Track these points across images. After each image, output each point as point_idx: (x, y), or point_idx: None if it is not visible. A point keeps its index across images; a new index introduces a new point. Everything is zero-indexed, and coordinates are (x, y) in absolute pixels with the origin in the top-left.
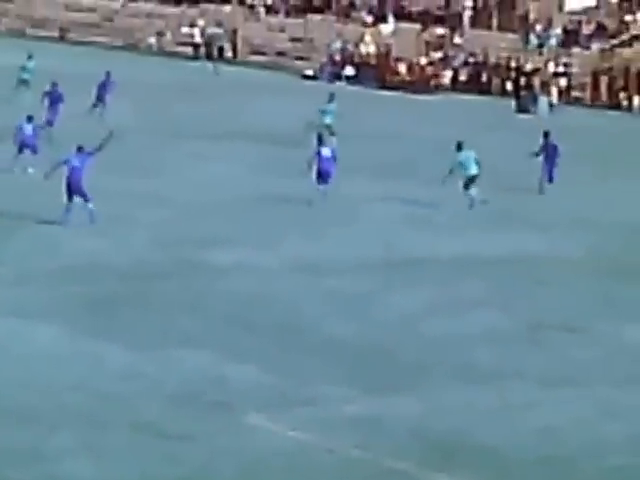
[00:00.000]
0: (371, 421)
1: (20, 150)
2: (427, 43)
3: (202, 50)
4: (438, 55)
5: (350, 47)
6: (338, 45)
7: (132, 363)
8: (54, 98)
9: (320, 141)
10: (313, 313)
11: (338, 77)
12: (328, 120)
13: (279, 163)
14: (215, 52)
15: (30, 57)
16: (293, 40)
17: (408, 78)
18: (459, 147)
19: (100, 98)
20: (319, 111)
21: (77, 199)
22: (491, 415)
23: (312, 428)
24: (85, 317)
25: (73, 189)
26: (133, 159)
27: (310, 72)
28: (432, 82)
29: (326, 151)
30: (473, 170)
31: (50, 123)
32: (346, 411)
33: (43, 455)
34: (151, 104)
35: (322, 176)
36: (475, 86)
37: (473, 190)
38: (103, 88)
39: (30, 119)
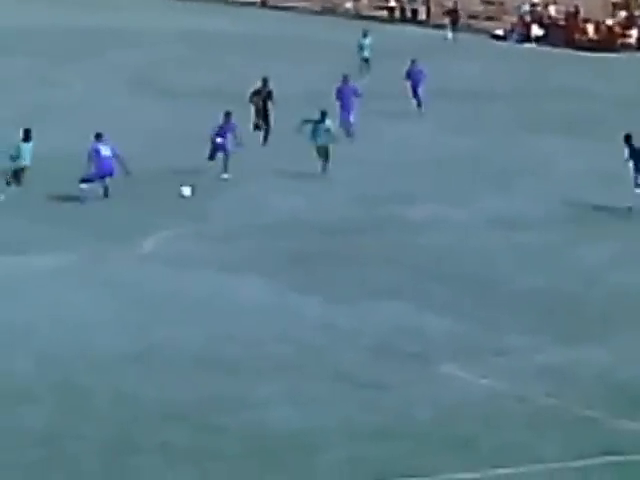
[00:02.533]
0: (560, 370)
1: None
2: (614, 4)
3: (397, 13)
4: (624, 14)
5: (539, 8)
6: (527, 7)
7: (331, 315)
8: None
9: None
10: (504, 266)
11: (527, 38)
12: (366, 54)
13: (466, 121)
14: (409, 14)
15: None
16: (484, 2)
17: (595, 38)
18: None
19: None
20: (357, 46)
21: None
22: None
23: (504, 377)
24: (286, 271)
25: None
26: None
27: (500, 32)
28: (619, 41)
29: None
30: None
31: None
32: (536, 360)
33: (249, 403)
34: (346, 67)
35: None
36: None
37: None
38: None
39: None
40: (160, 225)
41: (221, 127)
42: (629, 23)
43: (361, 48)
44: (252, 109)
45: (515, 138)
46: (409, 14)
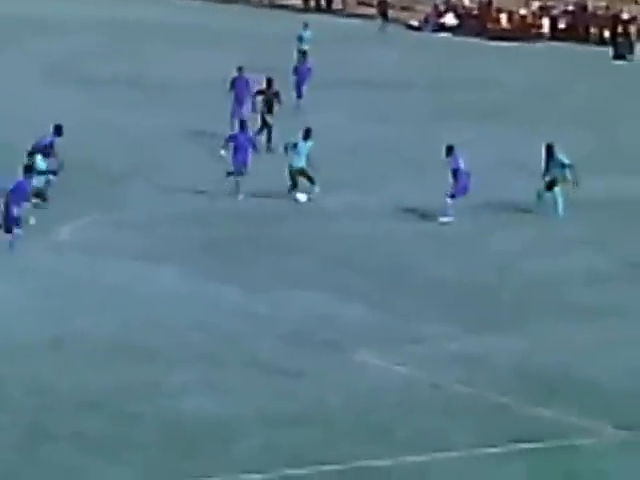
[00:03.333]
0: (474, 358)
1: None
2: None
3: (312, 2)
4: (537, 4)
5: None
6: None
7: (247, 303)
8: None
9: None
10: (418, 254)
11: (442, 27)
12: (305, 46)
13: (380, 110)
14: (324, 3)
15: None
16: None
17: (508, 27)
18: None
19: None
20: (297, 37)
21: None
22: (591, 351)
23: (418, 364)
24: (203, 259)
25: None
26: None
27: (415, 23)
28: (532, 31)
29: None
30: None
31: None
32: (450, 348)
33: (165, 391)
34: (261, 55)
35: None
36: (573, 34)
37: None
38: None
39: None
40: (76, 213)
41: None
42: (542, 13)
43: (300, 40)
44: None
45: (429, 127)
46: (324, 3)
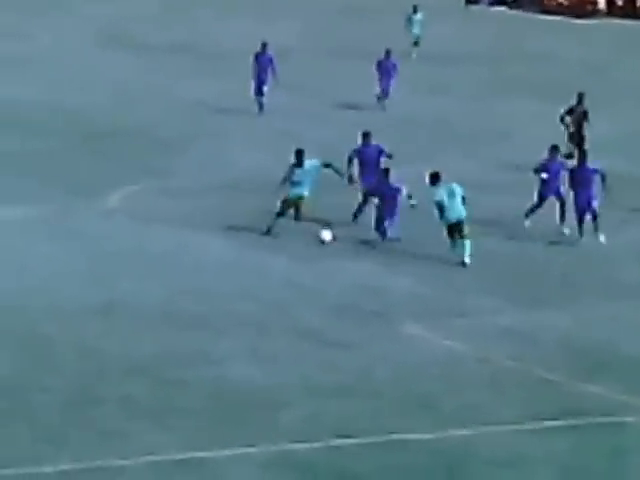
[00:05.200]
0: (522, 332)
1: None
2: None
3: None
4: None
5: None
6: None
7: (295, 273)
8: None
9: None
10: (469, 228)
11: (499, 1)
12: (416, 30)
13: (436, 83)
14: None
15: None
16: None
17: (566, 3)
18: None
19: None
20: (406, 20)
21: None
22: (637, 328)
23: (465, 338)
24: (251, 229)
25: None
26: (299, 77)
27: None
28: (589, 7)
29: None
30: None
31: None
32: (498, 322)
33: (211, 359)
34: (316, 24)
35: None
36: (629, 11)
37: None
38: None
39: None
40: (127, 180)
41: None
42: None
43: (410, 23)
44: (565, 133)
45: (484, 101)
46: None
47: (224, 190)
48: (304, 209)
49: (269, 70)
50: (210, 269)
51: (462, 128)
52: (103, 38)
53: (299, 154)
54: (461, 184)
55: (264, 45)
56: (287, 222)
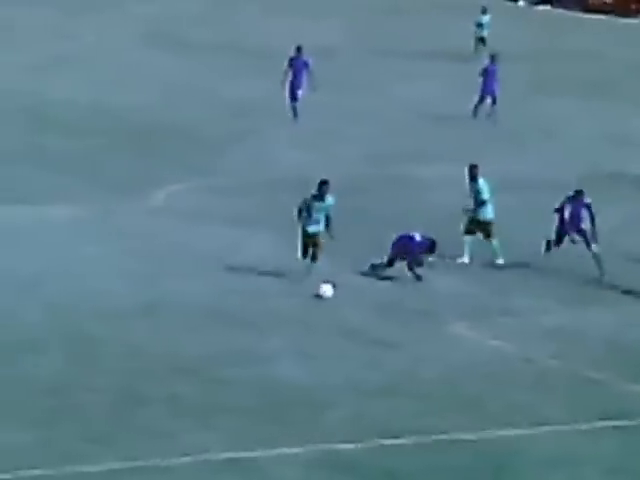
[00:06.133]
0: (568, 332)
1: None
2: None
3: None
4: None
5: None
6: None
7: (339, 272)
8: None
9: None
10: (514, 227)
11: (543, 0)
12: (484, 33)
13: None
14: None
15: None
16: None
17: (610, 1)
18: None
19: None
20: (475, 24)
21: None
22: None
23: (511, 338)
24: (296, 227)
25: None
26: (343, 76)
27: None
28: (633, 6)
29: None
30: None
31: None
32: (543, 322)
33: (257, 357)
34: (360, 23)
35: None
36: None
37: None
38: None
39: None
40: (171, 179)
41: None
42: None
43: (479, 26)
44: None
45: (529, 100)
46: None
47: (267, 188)
48: (319, 248)
49: (304, 74)
50: (255, 267)
51: (506, 127)
52: (148, 37)
53: (323, 185)
54: (508, 182)
55: (299, 48)
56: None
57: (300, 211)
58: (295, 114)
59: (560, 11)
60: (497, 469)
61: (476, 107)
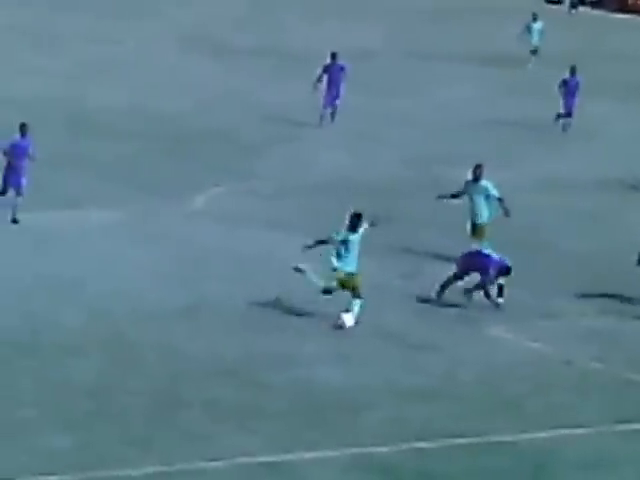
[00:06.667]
0: (607, 335)
1: None
2: None
3: None
4: None
5: None
6: None
7: (378, 275)
8: None
9: None
10: (553, 229)
11: (582, 1)
12: (535, 40)
13: (522, 85)
14: None
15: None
16: None
17: None
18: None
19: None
20: (524, 27)
21: None
22: None
23: (551, 340)
24: (334, 230)
25: None
26: (382, 80)
27: None
28: None
29: None
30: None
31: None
32: (583, 324)
33: (296, 361)
34: (400, 26)
35: None
36: None
37: None
38: None
39: None
40: (210, 183)
41: None
42: None
43: (529, 32)
44: None
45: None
46: None
47: (306, 192)
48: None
49: (341, 81)
50: (294, 271)
51: (547, 128)
52: (187, 42)
53: (356, 219)
54: (548, 183)
55: (334, 55)
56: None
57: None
58: (333, 118)
59: (600, 12)
60: (536, 471)
61: (558, 116)
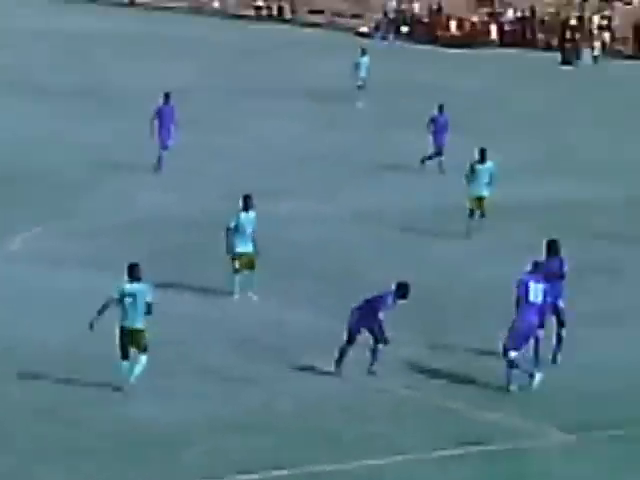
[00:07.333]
0: (421, 363)
1: None
2: (477, 0)
3: (264, 11)
4: (486, 11)
5: (404, 5)
6: (394, 4)
7: (196, 309)
8: None
9: None
10: (367, 260)
11: (397, 33)
12: (362, 74)
13: (334, 119)
14: (275, 12)
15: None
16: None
17: (458, 34)
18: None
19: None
20: (353, 65)
21: None
22: None
23: (364, 369)
24: (152, 267)
25: None
26: (199, 116)
27: (365, 29)
28: (480, 38)
29: None
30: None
31: None
32: (397, 353)
33: (112, 398)
34: (215, 64)
35: None
36: (521, 41)
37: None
38: None
39: None
40: (30, 223)
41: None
42: (490, 20)
43: (358, 67)
44: None
45: (382, 134)
46: (275, 12)
47: (122, 229)
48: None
49: (172, 122)
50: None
51: (361, 161)
52: (6, 85)
53: (248, 199)
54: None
55: (167, 95)
56: (189, 257)
57: (228, 230)
58: (160, 163)
59: (411, 45)
60: None
61: (429, 157)
